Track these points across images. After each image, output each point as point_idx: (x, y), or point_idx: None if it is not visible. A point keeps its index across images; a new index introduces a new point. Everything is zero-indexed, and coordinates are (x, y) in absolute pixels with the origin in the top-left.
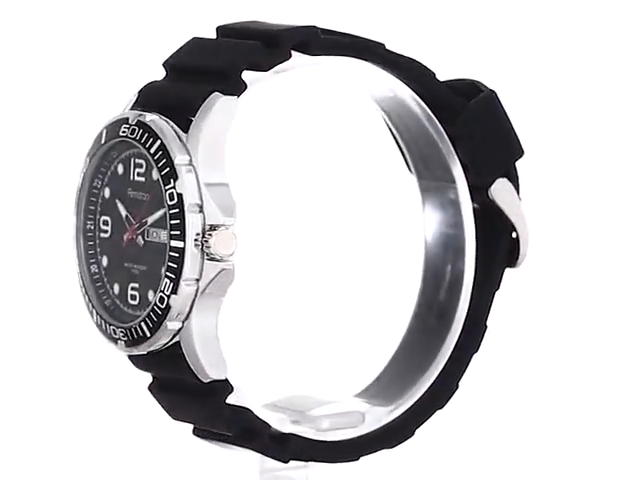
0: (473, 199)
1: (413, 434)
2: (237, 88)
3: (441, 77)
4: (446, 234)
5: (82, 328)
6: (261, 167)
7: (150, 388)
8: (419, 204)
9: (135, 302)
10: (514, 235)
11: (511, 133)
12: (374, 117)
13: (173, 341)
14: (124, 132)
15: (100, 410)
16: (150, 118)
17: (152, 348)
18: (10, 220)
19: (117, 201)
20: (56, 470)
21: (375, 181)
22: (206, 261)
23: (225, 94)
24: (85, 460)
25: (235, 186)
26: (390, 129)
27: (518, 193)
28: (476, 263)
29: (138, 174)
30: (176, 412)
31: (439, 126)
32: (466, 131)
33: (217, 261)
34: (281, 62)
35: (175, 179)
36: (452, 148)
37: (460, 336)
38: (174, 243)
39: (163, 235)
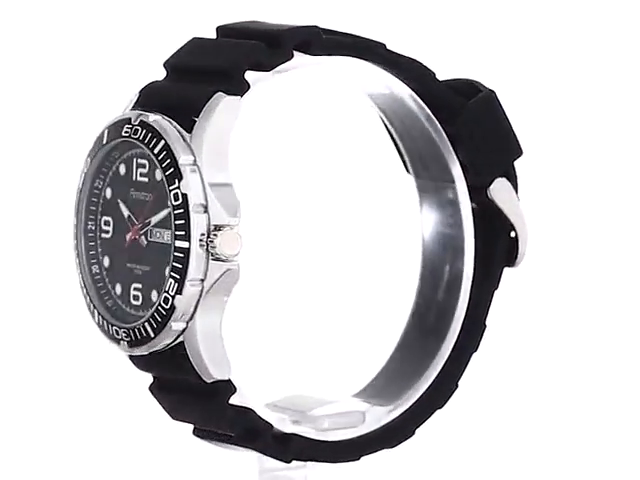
0: (472, 199)
1: (413, 434)
2: (240, 88)
3: (441, 77)
4: (445, 234)
5: (82, 329)
6: (261, 167)
7: (151, 388)
8: (417, 204)
9: (138, 302)
10: (513, 234)
11: (510, 133)
12: (373, 116)
13: (176, 341)
14: (127, 132)
15: (100, 410)
16: (153, 118)
17: (155, 348)
18: (11, 221)
19: (119, 201)
20: (57, 470)
21: (375, 181)
22: (211, 261)
23: (228, 94)
24: (85, 460)
25: (238, 186)
26: (388, 128)
27: (517, 193)
28: (475, 262)
29: (141, 174)
30: (177, 412)
31: (438, 126)
32: (465, 131)
33: (222, 261)
34: (283, 62)
35: (179, 179)
36: (451, 148)
37: (459, 336)
38: (179, 243)
39: (167, 235)
